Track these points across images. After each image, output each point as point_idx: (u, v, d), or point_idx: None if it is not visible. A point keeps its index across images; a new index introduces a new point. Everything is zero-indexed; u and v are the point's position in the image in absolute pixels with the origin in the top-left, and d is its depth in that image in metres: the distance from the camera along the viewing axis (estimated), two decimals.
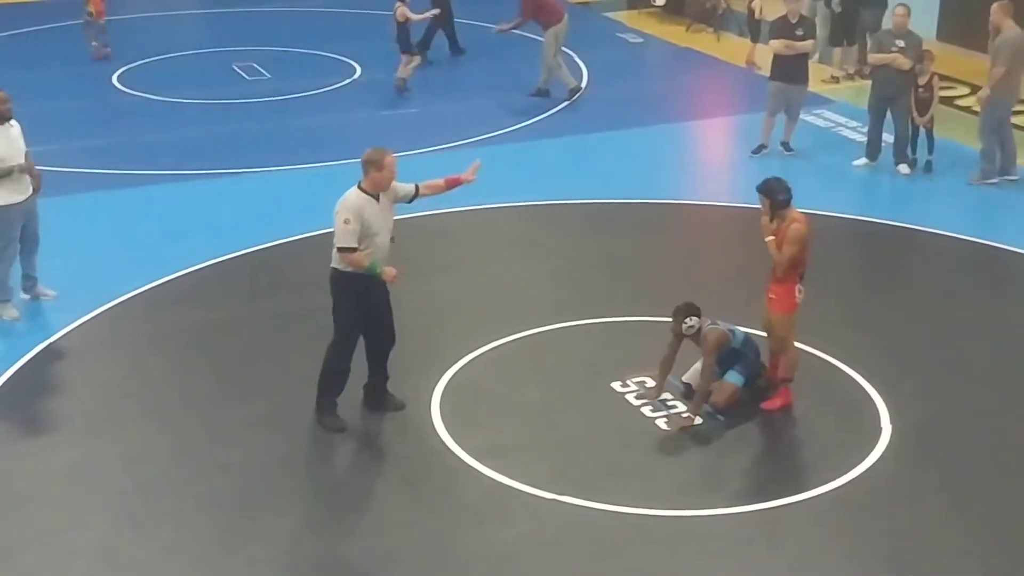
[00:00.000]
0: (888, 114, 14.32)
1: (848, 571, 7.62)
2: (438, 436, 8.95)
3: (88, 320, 10.72)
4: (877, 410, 9.26)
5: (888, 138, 14.48)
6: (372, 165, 8.69)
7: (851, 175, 14.49)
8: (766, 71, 15.52)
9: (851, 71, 18.12)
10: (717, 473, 8.66)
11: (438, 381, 9.63)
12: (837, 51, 18.35)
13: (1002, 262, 12.05)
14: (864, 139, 14.79)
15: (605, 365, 9.86)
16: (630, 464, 8.68)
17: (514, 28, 17.75)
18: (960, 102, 16.26)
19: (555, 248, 12.40)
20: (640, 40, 20.88)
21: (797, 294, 9.07)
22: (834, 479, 8.42)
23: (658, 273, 11.66)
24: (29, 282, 11.04)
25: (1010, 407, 9.39)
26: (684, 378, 9.43)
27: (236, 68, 18.69)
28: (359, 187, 8.73)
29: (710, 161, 15.80)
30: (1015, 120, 14.65)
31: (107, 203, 13.41)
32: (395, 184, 8.86)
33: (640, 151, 15.34)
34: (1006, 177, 13.99)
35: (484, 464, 8.59)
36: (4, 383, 9.74)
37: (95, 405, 9.50)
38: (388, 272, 8.78)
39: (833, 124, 16.12)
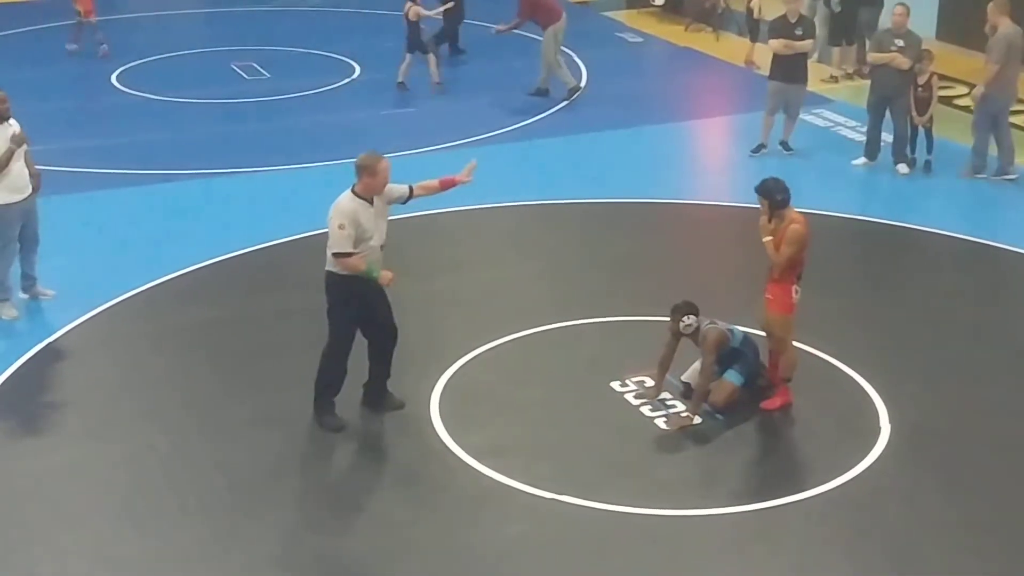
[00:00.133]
0: (887, 114, 14.32)
1: (847, 570, 7.62)
2: (437, 435, 8.95)
3: (87, 319, 10.73)
4: (876, 410, 9.26)
5: (887, 137, 14.49)
6: (366, 170, 8.68)
7: (850, 174, 14.49)
8: (765, 70, 15.52)
9: (850, 71, 18.12)
10: (716, 472, 8.66)
11: (437, 380, 9.63)
12: (836, 51, 18.35)
13: (1001, 262, 12.06)
14: (863, 138, 14.79)
15: (604, 364, 9.86)
16: (629, 463, 8.68)
17: (512, 29, 17.77)
18: (959, 102, 16.25)
19: (554, 247, 12.41)
20: (639, 39, 20.88)
21: (794, 294, 9.08)
22: (833, 478, 8.42)
23: (657, 272, 11.66)
24: (28, 281, 11.04)
25: (1009, 406, 9.40)
26: (683, 377, 9.44)
27: (235, 67, 18.69)
28: (352, 191, 8.72)
29: (709, 160, 15.80)
30: (1014, 119, 14.68)
31: (106, 202, 13.40)
32: (389, 186, 8.85)
33: (639, 150, 15.35)
34: (1005, 176, 14.00)
35: (483, 463, 8.59)
36: (3, 382, 9.74)
37: (94, 404, 9.51)
38: (385, 276, 8.77)
39: (832, 124, 16.12)
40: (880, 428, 9.02)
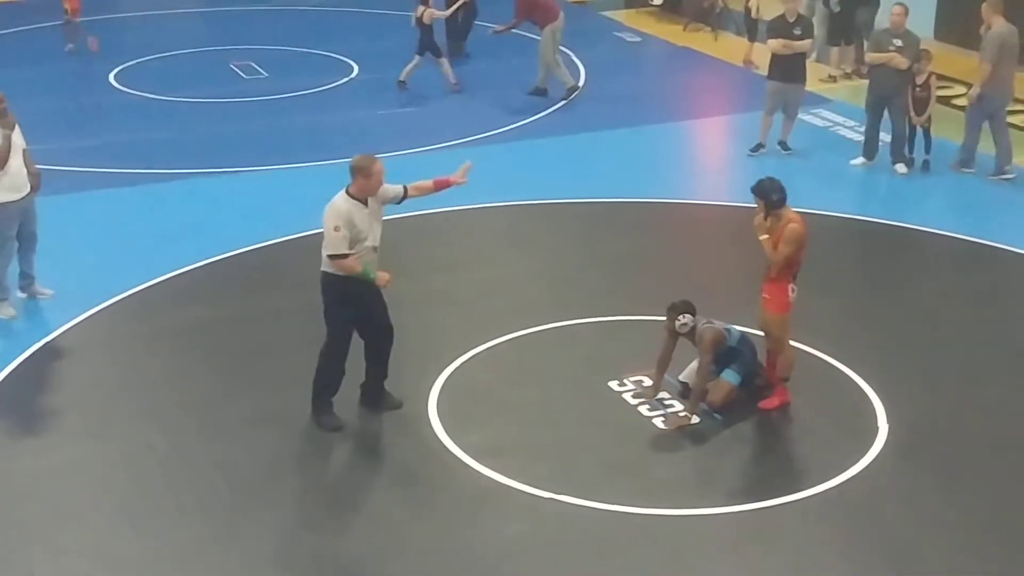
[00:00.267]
0: (885, 113, 14.33)
1: (845, 569, 7.62)
2: (435, 435, 8.95)
3: (85, 319, 10.72)
4: (874, 409, 9.26)
5: (885, 137, 14.50)
6: (360, 172, 8.67)
7: (848, 174, 14.50)
8: (764, 70, 15.53)
9: (849, 70, 18.13)
10: (714, 472, 8.66)
11: (435, 380, 9.63)
12: (835, 50, 18.35)
13: (999, 261, 12.06)
14: (861, 138, 14.80)
15: (602, 364, 9.86)
16: (627, 463, 8.68)
17: (510, 29, 17.77)
18: (957, 102, 16.25)
19: (552, 247, 12.41)
20: (638, 39, 20.89)
21: (791, 293, 9.08)
22: (831, 478, 8.42)
23: (656, 272, 11.66)
24: (26, 281, 11.03)
25: (1007, 405, 9.40)
26: (681, 377, 9.43)
27: (233, 67, 18.69)
28: (347, 192, 8.71)
29: (708, 160, 15.80)
30: (1012, 119, 14.68)
31: (104, 202, 13.40)
32: (383, 186, 8.84)
33: (638, 150, 15.35)
34: (1002, 176, 14.01)
35: (481, 463, 8.59)
36: (1, 382, 9.74)
37: (92, 403, 9.50)
38: (382, 277, 8.77)
39: (830, 123, 16.13)
40: (878, 427, 9.02)
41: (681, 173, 14.94)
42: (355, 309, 8.90)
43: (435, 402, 9.35)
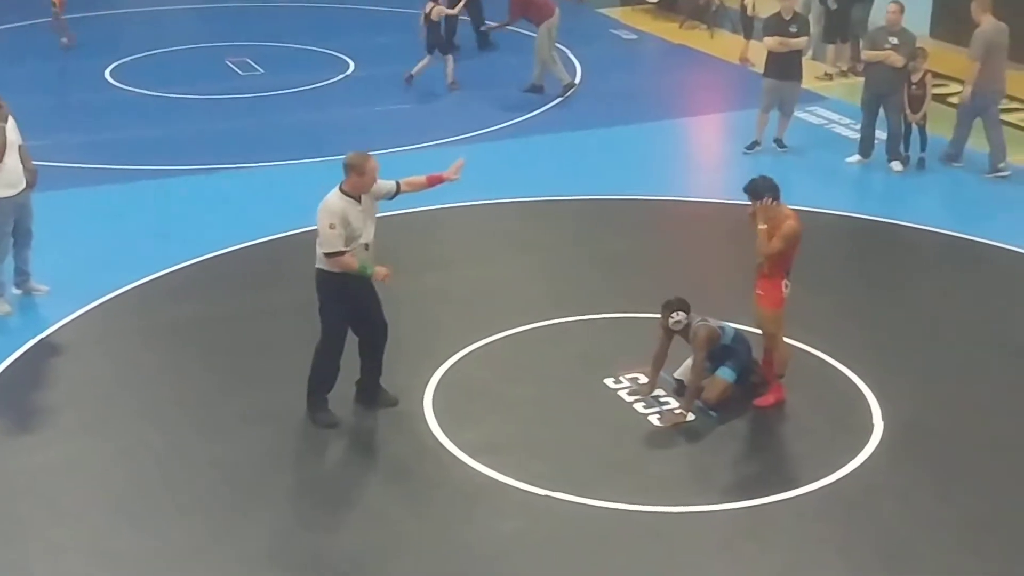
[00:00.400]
0: (881, 111, 14.35)
1: (840, 567, 7.63)
2: (431, 432, 8.95)
3: (81, 315, 10.71)
4: (869, 407, 9.27)
5: (881, 135, 14.51)
6: (354, 169, 8.67)
7: (844, 172, 14.51)
8: (760, 68, 15.53)
9: (844, 68, 18.14)
10: (709, 469, 8.67)
11: (431, 377, 9.63)
12: (831, 48, 18.36)
13: (994, 259, 12.07)
14: (857, 136, 14.81)
15: (598, 361, 9.86)
16: (623, 460, 8.69)
17: (504, 26, 17.77)
18: (953, 99, 16.24)
19: (548, 244, 12.41)
20: (634, 36, 20.89)
21: (784, 289, 9.09)
22: (826, 475, 8.43)
23: (651, 269, 11.67)
24: (22, 277, 11.03)
25: (1002, 404, 9.41)
26: (676, 374, 9.44)
27: (229, 63, 18.68)
28: (340, 189, 8.71)
29: (704, 157, 15.81)
30: (1008, 117, 14.69)
31: (100, 198, 13.39)
32: (377, 182, 8.84)
33: (633, 147, 15.35)
34: (997, 173, 14.03)
35: (477, 460, 8.59)
36: None
37: (88, 400, 9.50)
38: (380, 271, 8.77)
39: (826, 121, 16.14)
40: (873, 425, 9.03)
41: (677, 170, 14.95)
42: (350, 306, 8.90)
43: (430, 399, 9.35)
